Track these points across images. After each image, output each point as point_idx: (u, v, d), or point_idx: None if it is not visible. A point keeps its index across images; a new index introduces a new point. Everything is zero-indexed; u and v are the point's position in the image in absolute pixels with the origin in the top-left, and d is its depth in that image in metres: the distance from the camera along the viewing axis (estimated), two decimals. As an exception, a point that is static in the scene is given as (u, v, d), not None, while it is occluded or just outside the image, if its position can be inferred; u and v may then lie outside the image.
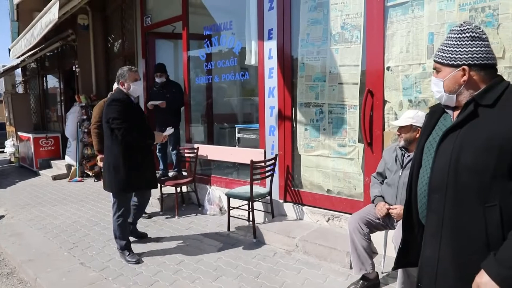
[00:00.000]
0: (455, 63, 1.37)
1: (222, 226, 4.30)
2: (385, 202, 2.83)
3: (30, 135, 8.64)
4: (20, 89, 12.64)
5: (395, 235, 2.58)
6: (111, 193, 3.57)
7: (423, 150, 1.51)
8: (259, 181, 4.25)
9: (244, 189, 4.08)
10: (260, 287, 2.94)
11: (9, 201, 6.00)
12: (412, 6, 3.14)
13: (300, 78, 4.02)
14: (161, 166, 5.91)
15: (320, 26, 3.81)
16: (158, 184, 4.05)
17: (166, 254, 3.61)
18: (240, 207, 4.21)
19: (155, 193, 5.13)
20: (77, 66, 8.05)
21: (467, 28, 1.36)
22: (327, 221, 3.83)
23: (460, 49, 1.36)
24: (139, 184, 3.50)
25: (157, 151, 5.89)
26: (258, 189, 4.14)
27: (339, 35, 3.66)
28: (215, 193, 4.93)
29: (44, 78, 10.94)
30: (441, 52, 1.42)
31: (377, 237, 3.03)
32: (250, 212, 3.99)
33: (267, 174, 4.09)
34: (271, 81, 4.24)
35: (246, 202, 4.08)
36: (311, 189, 4.07)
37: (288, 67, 4.11)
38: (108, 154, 3.47)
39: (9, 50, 8.71)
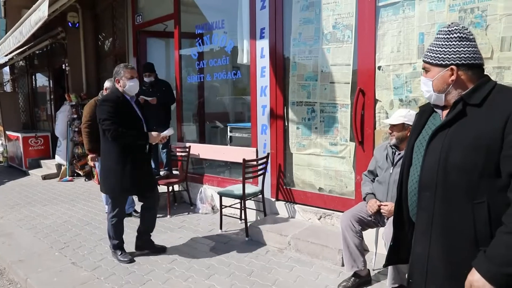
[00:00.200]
0: (443, 63, 1.40)
1: (214, 225, 4.30)
2: (376, 199, 2.87)
3: (19, 134, 8.53)
4: (8, 88, 12.45)
5: (385, 232, 2.62)
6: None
7: (413, 149, 1.54)
8: (251, 179, 4.26)
9: (236, 188, 4.08)
10: (252, 285, 2.95)
11: (-2, 201, 5.92)
12: (403, 7, 3.18)
13: (292, 77, 4.04)
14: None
15: (312, 25, 3.83)
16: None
17: (159, 253, 3.60)
18: (232, 206, 4.22)
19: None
20: (67, 64, 7.96)
21: (455, 29, 1.39)
22: (319, 219, 3.86)
23: (448, 49, 1.39)
24: (131, 187, 3.35)
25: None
26: (250, 187, 4.15)
27: (331, 35, 3.69)
28: (207, 192, 4.93)
29: (33, 77, 10.80)
30: (429, 53, 1.45)
31: (368, 235, 3.06)
32: (243, 211, 4.01)
33: (259, 172, 4.11)
34: (263, 80, 4.25)
35: (238, 200, 4.09)
36: (303, 187, 4.10)
37: (280, 66, 4.12)
38: (102, 155, 3.44)
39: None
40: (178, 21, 5.42)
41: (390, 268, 2.57)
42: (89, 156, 4.54)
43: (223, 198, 4.10)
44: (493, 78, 2.64)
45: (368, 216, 2.83)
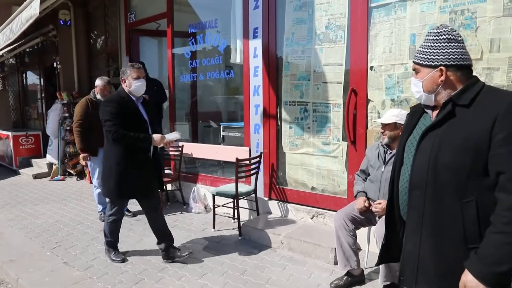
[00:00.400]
0: (432, 64, 1.43)
1: (207, 224, 4.31)
2: (368, 198, 2.90)
3: (9, 133, 8.42)
4: (-2, 86, 12.31)
5: (376, 230, 2.65)
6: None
7: (404, 149, 1.57)
8: (244, 179, 4.27)
9: (229, 187, 4.09)
10: (245, 284, 2.97)
11: (-12, 200, 5.86)
12: (395, 8, 3.21)
13: (285, 76, 4.06)
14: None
15: (305, 25, 3.85)
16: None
17: (152, 252, 3.60)
18: (225, 205, 4.23)
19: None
20: (58, 62, 7.89)
21: (444, 30, 1.42)
22: (311, 218, 3.88)
23: (437, 50, 1.42)
24: (130, 191, 3.25)
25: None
26: (243, 187, 4.16)
27: (323, 35, 3.71)
28: (200, 191, 4.93)
29: (24, 75, 10.67)
30: (419, 54, 1.47)
31: (361, 233, 3.09)
32: (235, 210, 4.02)
33: (252, 172, 4.12)
34: (256, 80, 4.26)
35: (231, 200, 4.10)
36: (295, 186, 4.12)
37: (273, 66, 4.14)
38: (104, 155, 3.37)
39: (-14, 45, 8.48)
40: (171, 20, 5.40)
41: (382, 265, 2.60)
42: (81, 156, 4.52)
43: (216, 197, 4.11)
44: (482, 79, 2.70)
45: (361, 215, 2.86)
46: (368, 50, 3.39)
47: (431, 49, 1.43)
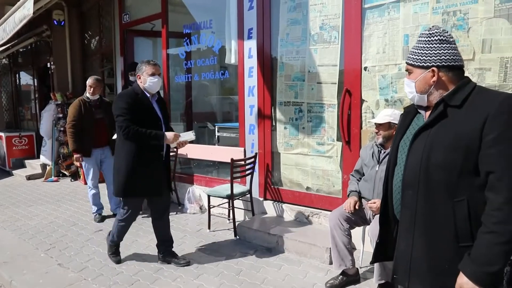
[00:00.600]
0: (425, 64, 1.44)
1: (202, 225, 4.31)
2: (362, 197, 2.92)
3: (2, 134, 8.36)
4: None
5: (371, 229, 2.67)
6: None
7: (398, 149, 1.58)
8: (239, 179, 4.28)
9: (224, 188, 4.10)
10: (241, 284, 2.97)
11: (-19, 202, 5.81)
12: (389, 9, 3.23)
13: (280, 77, 4.07)
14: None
15: (299, 26, 3.87)
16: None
17: (147, 253, 3.59)
18: (220, 206, 4.23)
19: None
20: (52, 63, 7.85)
21: (435, 31, 1.44)
22: (306, 218, 3.90)
23: (429, 51, 1.43)
24: (140, 189, 3.14)
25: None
26: (238, 187, 4.16)
27: (318, 36, 3.73)
28: (195, 192, 4.93)
29: (17, 75, 10.60)
30: (412, 55, 1.49)
31: (355, 233, 3.11)
32: (231, 210, 4.02)
33: (247, 172, 4.12)
34: (251, 80, 4.27)
35: (226, 200, 4.10)
36: (290, 186, 4.13)
37: (267, 67, 4.15)
38: (115, 153, 3.27)
39: (-21, 45, 8.41)
40: (166, 21, 5.40)
41: (376, 264, 2.62)
42: (74, 156, 4.50)
43: (211, 197, 4.11)
44: (474, 79, 2.72)
45: (356, 215, 2.87)
46: (362, 51, 3.41)
47: (423, 50, 1.45)
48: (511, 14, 2.63)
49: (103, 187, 4.84)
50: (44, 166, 7.54)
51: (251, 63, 4.25)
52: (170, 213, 4.71)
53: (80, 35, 7.88)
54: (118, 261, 3.39)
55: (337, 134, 3.70)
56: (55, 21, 7.42)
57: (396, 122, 2.67)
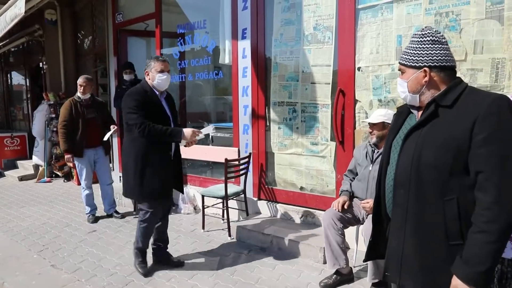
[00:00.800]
0: (417, 64, 1.46)
1: (196, 225, 4.30)
2: (356, 197, 2.94)
3: (-7, 134, 8.30)
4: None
5: (364, 228, 2.69)
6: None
7: (391, 148, 1.60)
8: (233, 179, 4.28)
9: (219, 188, 4.10)
10: (235, 284, 2.98)
11: (-27, 203, 5.75)
12: (382, 9, 3.25)
13: (274, 77, 4.08)
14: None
15: (293, 26, 3.88)
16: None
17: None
18: (214, 206, 4.22)
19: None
20: (44, 62, 7.79)
21: (428, 32, 1.46)
22: (300, 217, 3.91)
23: (421, 51, 1.45)
24: (152, 190, 3.00)
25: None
26: (233, 187, 4.16)
27: (311, 36, 3.74)
28: (189, 192, 4.92)
29: (9, 75, 10.51)
30: (405, 55, 1.51)
31: (349, 232, 3.13)
32: (225, 211, 4.02)
33: (241, 172, 4.13)
34: (245, 80, 4.27)
35: (220, 200, 4.10)
36: (284, 186, 4.14)
37: (261, 67, 4.15)
38: (124, 154, 3.11)
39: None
40: (160, 20, 5.38)
41: (370, 264, 2.64)
42: (66, 157, 4.47)
43: (205, 198, 4.10)
44: (466, 79, 2.75)
45: (349, 214, 2.89)
46: (355, 51, 3.43)
47: (415, 51, 1.47)
48: (502, 15, 2.66)
49: (96, 188, 4.81)
50: (36, 166, 7.48)
51: (245, 63, 4.25)
52: (164, 214, 4.74)
53: (73, 35, 7.83)
54: (147, 273, 3.12)
55: (330, 134, 3.72)
56: (46, 20, 7.35)
57: (390, 122, 2.69)
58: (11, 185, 7.03)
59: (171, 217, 4.60)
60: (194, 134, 3.00)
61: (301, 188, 4.02)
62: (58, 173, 7.20)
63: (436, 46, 1.43)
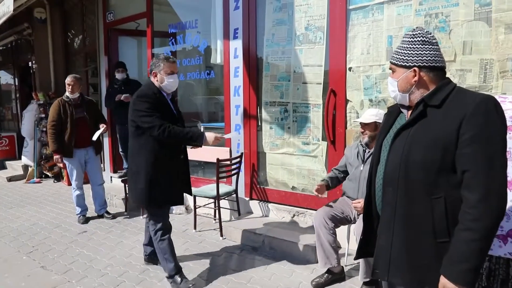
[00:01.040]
0: (407, 64, 1.48)
1: (188, 225, 4.29)
2: (348, 196, 2.96)
3: (-19, 135, 8.18)
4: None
5: (356, 227, 2.71)
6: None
7: (381, 148, 1.62)
8: (225, 179, 4.27)
9: (210, 188, 4.09)
10: (227, 284, 2.98)
11: (-40, 204, 5.66)
12: (373, 10, 3.28)
13: (265, 77, 4.09)
14: (125, 165, 5.81)
15: (285, 26, 3.89)
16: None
17: (132, 254, 3.56)
18: (206, 206, 4.22)
19: (120, 193, 5.04)
20: (34, 62, 7.70)
21: (419, 33, 1.48)
22: (292, 217, 3.92)
23: (411, 51, 1.47)
24: (163, 197, 2.85)
25: (120, 149, 5.79)
26: (224, 187, 4.16)
27: (303, 36, 3.76)
28: (181, 192, 4.89)
29: (-3, 74, 10.39)
30: (396, 55, 1.53)
31: (340, 232, 3.15)
32: (217, 210, 4.01)
33: (233, 172, 4.12)
34: (237, 80, 4.27)
35: (212, 200, 4.09)
36: (276, 186, 4.15)
37: (253, 67, 4.16)
38: (132, 159, 2.91)
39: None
40: (151, 20, 5.35)
41: (361, 263, 2.66)
42: (55, 157, 4.42)
43: (197, 198, 4.09)
44: (456, 80, 2.79)
45: (340, 213, 2.91)
46: (346, 52, 3.45)
47: (406, 50, 1.49)
48: (490, 17, 2.70)
49: (87, 188, 4.77)
50: (26, 167, 7.40)
51: (237, 63, 4.25)
52: (156, 214, 4.72)
53: (63, 34, 7.74)
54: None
55: (322, 134, 3.73)
56: (36, 19, 7.26)
57: (381, 121, 2.71)
58: (-1, 185, 6.95)
59: (163, 217, 4.61)
60: (216, 140, 2.87)
61: (293, 187, 4.03)
62: (48, 173, 7.12)
63: (426, 47, 1.46)
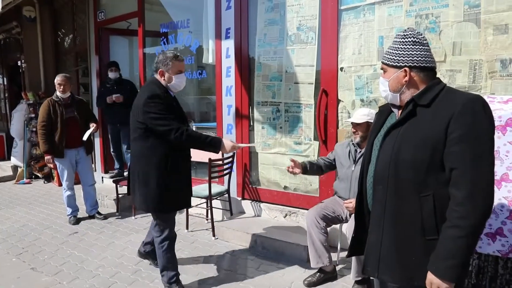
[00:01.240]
0: (398, 64, 1.51)
1: (180, 225, 4.27)
2: (340, 196, 2.97)
3: (-30, 135, 8.06)
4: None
5: (348, 226, 2.73)
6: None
7: (372, 147, 1.64)
8: (217, 179, 4.27)
9: (202, 188, 4.08)
10: (220, 284, 2.97)
11: None
12: (364, 11, 3.30)
13: (257, 77, 4.09)
14: (116, 166, 5.78)
15: (276, 26, 3.90)
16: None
17: (124, 255, 3.54)
18: (198, 206, 4.21)
19: (111, 193, 5.01)
20: (23, 61, 7.61)
21: (410, 33, 1.50)
22: (284, 217, 3.93)
23: (402, 52, 1.50)
24: (176, 202, 2.77)
25: (112, 150, 5.75)
26: (216, 187, 4.16)
27: (295, 36, 3.77)
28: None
29: (-15, 74, 10.22)
30: (387, 55, 1.55)
31: (332, 231, 3.17)
32: (209, 210, 4.01)
33: (225, 172, 4.12)
34: (229, 80, 4.27)
35: (204, 200, 4.09)
36: (268, 186, 4.16)
37: (245, 66, 4.16)
38: (137, 162, 2.72)
39: None
40: (142, 19, 5.32)
41: (353, 262, 2.67)
42: (46, 158, 4.38)
43: (189, 198, 4.08)
44: (446, 80, 2.82)
45: (332, 213, 2.92)
46: (338, 52, 3.47)
47: (397, 51, 1.51)
48: (478, 18, 2.74)
49: (78, 189, 4.73)
50: (15, 167, 7.30)
51: (228, 63, 4.25)
52: (147, 215, 4.70)
53: (52, 33, 7.65)
54: None
55: (314, 134, 3.75)
56: (25, 18, 7.16)
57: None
58: (-12, 186, 6.85)
59: (155, 218, 4.59)
60: (233, 148, 2.76)
61: (285, 187, 4.04)
62: (38, 174, 7.04)
63: (416, 47, 1.48)
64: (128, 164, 5.55)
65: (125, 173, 5.49)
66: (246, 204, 4.27)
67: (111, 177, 5.65)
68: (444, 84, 1.49)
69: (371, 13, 3.26)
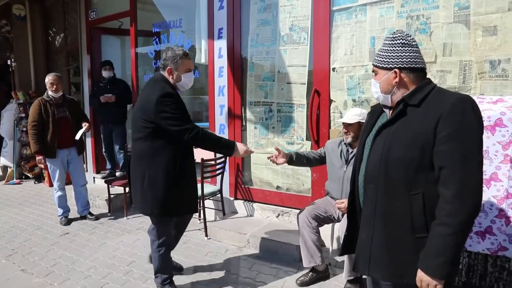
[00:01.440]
0: (388, 66, 1.53)
1: (173, 225, 4.26)
2: (332, 197, 2.99)
3: (-42, 135, 7.92)
4: None
5: (341, 225, 2.74)
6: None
7: (364, 146, 1.66)
8: (210, 179, 4.26)
9: (195, 188, 4.07)
10: (212, 284, 2.97)
11: None
12: (356, 11, 3.32)
13: (250, 77, 4.10)
14: (108, 166, 5.74)
15: (269, 27, 3.91)
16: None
17: (115, 255, 3.52)
18: (191, 206, 4.20)
19: (103, 193, 4.98)
20: (13, 60, 7.52)
21: (398, 36, 1.52)
22: (277, 216, 3.94)
23: (392, 54, 1.52)
24: (180, 206, 2.66)
25: (104, 150, 5.72)
26: (209, 187, 4.16)
27: (287, 36, 3.78)
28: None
29: (-26, 73, 10.07)
30: (377, 57, 1.57)
31: (324, 231, 3.18)
32: (201, 210, 4.00)
33: (218, 172, 4.12)
34: (221, 80, 4.27)
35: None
36: (261, 186, 4.17)
37: (238, 67, 4.16)
38: (140, 164, 2.60)
39: None
40: (135, 19, 5.30)
41: (346, 261, 2.69)
42: (37, 158, 4.33)
43: (182, 198, 4.07)
44: (436, 81, 2.85)
45: (324, 213, 2.94)
46: (330, 52, 3.49)
47: (387, 53, 1.53)
48: (468, 20, 2.77)
49: (70, 189, 4.69)
50: (5, 168, 7.22)
51: (221, 63, 4.25)
52: (140, 215, 4.68)
53: (43, 32, 7.56)
54: None
55: (306, 134, 3.76)
56: (15, 16, 7.07)
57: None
58: (-23, 187, 6.76)
59: (147, 218, 4.49)
60: (246, 152, 2.73)
61: (277, 187, 4.05)
62: (28, 174, 6.97)
63: (406, 49, 1.50)
64: (121, 164, 5.56)
65: (117, 173, 5.46)
66: (239, 204, 4.27)
67: (103, 178, 5.61)
68: (434, 84, 1.51)
69: (363, 14, 3.29)
